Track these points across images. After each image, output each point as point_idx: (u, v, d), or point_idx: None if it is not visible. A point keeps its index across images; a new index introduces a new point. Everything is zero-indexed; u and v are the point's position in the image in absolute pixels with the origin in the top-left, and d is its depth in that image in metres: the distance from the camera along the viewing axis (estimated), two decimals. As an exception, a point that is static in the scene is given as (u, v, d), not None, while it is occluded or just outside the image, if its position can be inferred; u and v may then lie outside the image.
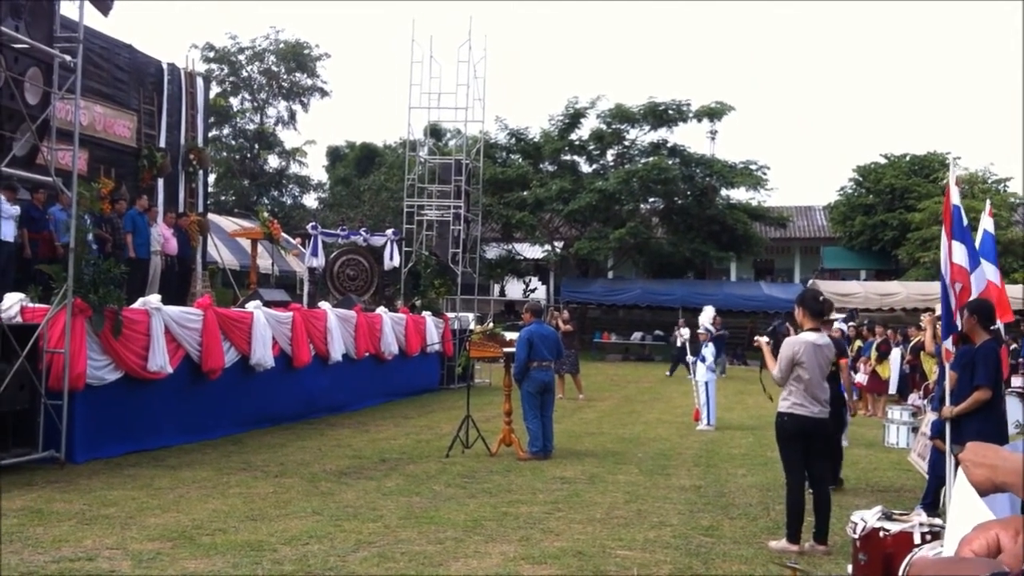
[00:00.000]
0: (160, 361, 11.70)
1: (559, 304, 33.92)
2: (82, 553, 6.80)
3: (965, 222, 8.26)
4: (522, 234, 41.46)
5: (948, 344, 8.22)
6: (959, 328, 8.10)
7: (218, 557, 6.86)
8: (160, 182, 18.84)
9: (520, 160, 42.51)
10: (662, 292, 39.02)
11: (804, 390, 7.73)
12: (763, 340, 8.69)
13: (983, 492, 2.15)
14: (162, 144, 18.84)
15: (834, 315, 13.18)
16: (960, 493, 2.57)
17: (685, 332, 30.32)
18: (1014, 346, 18.90)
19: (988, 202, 10.95)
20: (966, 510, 2.47)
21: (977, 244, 8.83)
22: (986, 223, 8.99)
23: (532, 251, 43.31)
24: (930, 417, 10.67)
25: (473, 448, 12.43)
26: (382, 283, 23.37)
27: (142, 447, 11.45)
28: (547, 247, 42.05)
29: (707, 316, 18.15)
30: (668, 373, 29.93)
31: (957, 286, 8.04)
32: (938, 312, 9.00)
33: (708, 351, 16.71)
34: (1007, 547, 1.55)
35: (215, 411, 13.12)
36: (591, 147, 42.22)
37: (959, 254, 8.05)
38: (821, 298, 8.25)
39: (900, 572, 5.12)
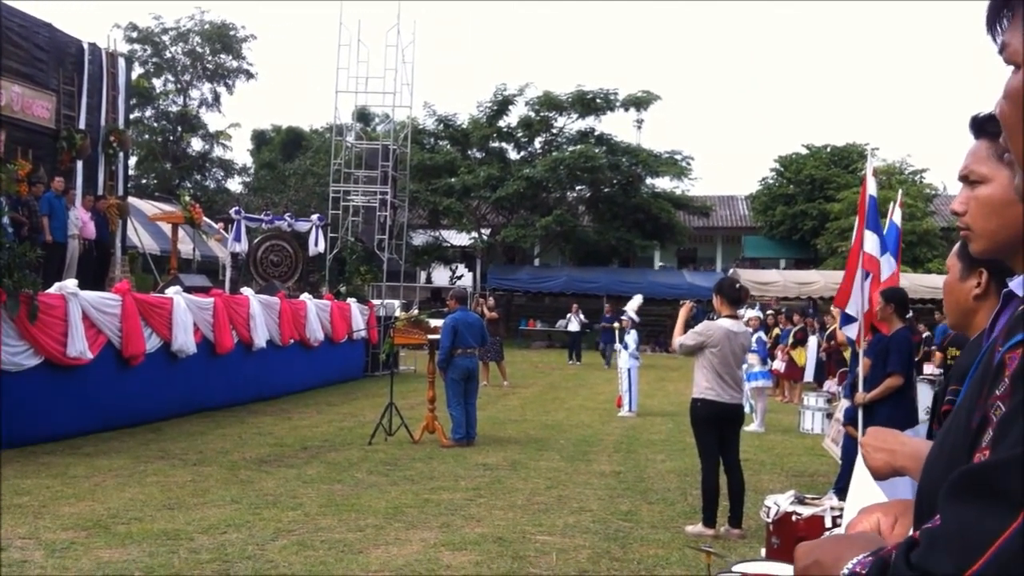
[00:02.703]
0: (80, 347, 11.48)
1: (485, 291, 33.92)
2: (-7, 543, 6.68)
3: (878, 212, 8.46)
4: (449, 221, 41.38)
5: (850, 331, 8.44)
6: (856, 317, 8.30)
7: (134, 546, 6.78)
8: (79, 164, 18.41)
9: (448, 146, 42.42)
10: (587, 280, 39.36)
11: (716, 376, 7.88)
12: (688, 304, 8.84)
13: (881, 476, 2.21)
14: (82, 125, 18.40)
15: (748, 313, 13.37)
16: (858, 478, 2.65)
17: (580, 317, 30.77)
18: (927, 334, 19.35)
19: (900, 193, 11.18)
20: (863, 494, 2.54)
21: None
22: (895, 215, 9.20)
23: (459, 238, 43.26)
24: (844, 404, 10.92)
25: (396, 435, 12.42)
26: (307, 269, 23.16)
27: (59, 434, 11.23)
28: (474, 234, 42.02)
29: (634, 304, 18.31)
30: (570, 360, 30.26)
31: (868, 275, 8.23)
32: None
33: (631, 338, 16.87)
34: (886, 532, 1.62)
35: (137, 398, 12.89)
36: (519, 134, 42.34)
37: (871, 243, 8.25)
38: (738, 286, 8.42)
39: None
